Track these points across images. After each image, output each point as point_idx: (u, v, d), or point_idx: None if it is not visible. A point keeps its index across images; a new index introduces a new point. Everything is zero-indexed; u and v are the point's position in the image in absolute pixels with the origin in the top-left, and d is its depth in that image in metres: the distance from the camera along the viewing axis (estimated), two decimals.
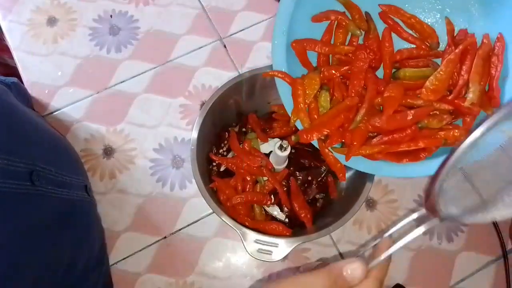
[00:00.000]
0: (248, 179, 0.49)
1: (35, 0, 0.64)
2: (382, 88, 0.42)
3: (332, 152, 0.42)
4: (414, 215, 0.30)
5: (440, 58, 0.44)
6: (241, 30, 0.63)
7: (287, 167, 0.51)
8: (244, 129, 0.54)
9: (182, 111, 0.59)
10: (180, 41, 0.62)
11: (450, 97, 0.41)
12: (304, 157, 0.52)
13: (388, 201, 0.56)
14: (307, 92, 0.42)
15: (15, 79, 0.56)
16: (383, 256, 0.29)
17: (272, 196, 0.49)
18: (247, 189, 0.49)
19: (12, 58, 0.62)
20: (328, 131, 0.41)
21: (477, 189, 0.29)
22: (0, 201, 0.32)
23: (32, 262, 0.35)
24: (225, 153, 0.53)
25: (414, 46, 0.46)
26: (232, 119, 0.55)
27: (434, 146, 0.39)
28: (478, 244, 0.55)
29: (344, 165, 0.42)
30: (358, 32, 0.45)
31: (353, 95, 0.42)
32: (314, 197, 0.52)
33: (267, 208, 0.51)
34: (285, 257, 0.43)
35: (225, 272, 0.53)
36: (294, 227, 0.48)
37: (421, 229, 0.29)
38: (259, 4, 0.64)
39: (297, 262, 0.54)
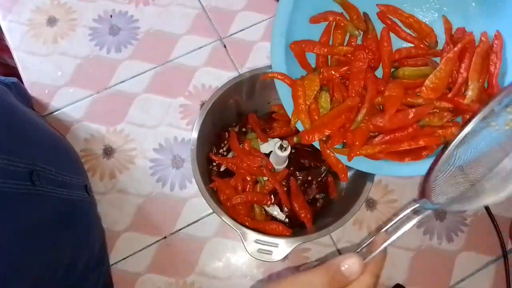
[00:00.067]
0: (248, 179, 0.49)
1: (35, 0, 0.64)
2: (382, 88, 0.42)
3: (333, 153, 0.42)
4: (408, 210, 0.31)
5: (439, 57, 0.44)
6: (241, 30, 0.63)
7: (287, 167, 0.51)
8: (244, 129, 0.54)
9: (182, 111, 0.59)
10: (180, 41, 0.62)
11: (449, 95, 0.41)
12: (304, 157, 0.52)
13: (388, 201, 0.56)
14: (307, 93, 0.42)
15: (15, 79, 0.56)
16: (379, 249, 0.29)
17: (272, 196, 0.49)
18: (247, 189, 0.49)
19: (12, 58, 0.62)
20: (329, 131, 0.41)
21: (464, 180, 0.30)
22: (0, 201, 0.32)
23: (32, 262, 0.35)
24: (225, 153, 0.53)
25: (412, 45, 0.46)
26: (232, 119, 0.55)
27: (435, 144, 0.39)
28: (478, 244, 0.55)
29: (346, 165, 0.42)
30: (357, 32, 0.45)
31: (353, 95, 0.42)
32: (314, 197, 0.52)
33: (267, 208, 0.51)
34: (285, 257, 0.43)
35: (225, 272, 0.53)
36: (294, 227, 0.48)
37: (413, 222, 0.30)
38: (259, 4, 0.64)
39: (297, 262, 0.54)
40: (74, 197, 0.46)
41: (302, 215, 0.48)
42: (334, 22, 0.45)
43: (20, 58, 0.61)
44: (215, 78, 0.61)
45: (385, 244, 0.29)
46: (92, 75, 0.61)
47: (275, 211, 0.50)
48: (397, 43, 0.46)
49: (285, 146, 0.46)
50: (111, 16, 0.64)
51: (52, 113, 0.59)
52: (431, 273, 0.54)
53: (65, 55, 0.61)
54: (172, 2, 0.64)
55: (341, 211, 0.45)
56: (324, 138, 0.42)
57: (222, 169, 0.52)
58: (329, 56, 0.46)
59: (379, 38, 0.45)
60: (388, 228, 0.31)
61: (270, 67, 0.44)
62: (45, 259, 0.38)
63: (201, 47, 0.62)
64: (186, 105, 0.60)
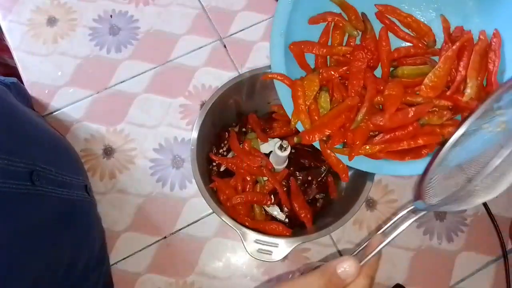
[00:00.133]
0: (248, 179, 0.49)
1: (35, 0, 0.64)
2: (382, 87, 0.42)
3: (333, 153, 0.42)
4: (404, 212, 0.31)
5: (437, 56, 0.44)
6: (241, 30, 0.63)
7: (287, 167, 0.51)
8: (244, 129, 0.54)
9: (182, 111, 0.59)
10: (180, 41, 0.62)
11: (448, 93, 0.41)
12: (304, 157, 0.52)
13: (388, 201, 0.56)
14: (307, 93, 0.42)
15: (14, 79, 0.56)
16: (375, 252, 0.29)
17: (272, 196, 0.49)
18: (247, 189, 0.49)
19: (12, 58, 0.62)
20: (329, 131, 0.41)
21: (457, 180, 0.31)
22: (0, 201, 0.32)
23: (32, 262, 0.35)
24: (225, 153, 0.53)
25: (411, 44, 0.46)
26: (232, 119, 0.55)
27: (434, 143, 0.40)
28: (478, 244, 0.55)
29: (346, 165, 0.42)
30: (355, 32, 0.45)
31: (353, 95, 0.42)
32: (314, 197, 0.52)
33: (267, 208, 0.51)
34: (285, 257, 0.43)
35: (225, 272, 0.53)
36: (294, 227, 0.48)
37: (408, 223, 0.30)
38: (259, 4, 0.64)
39: (297, 262, 0.54)
40: (74, 197, 0.46)
41: (302, 215, 0.48)
42: (333, 23, 0.45)
43: (20, 58, 0.61)
44: (215, 78, 0.61)
45: (381, 246, 0.30)
46: (92, 75, 0.61)
47: (275, 211, 0.50)
48: (396, 43, 0.46)
49: (285, 146, 0.46)
50: (111, 16, 0.64)
51: (52, 113, 0.59)
52: (431, 273, 0.54)
53: (65, 55, 0.61)
54: (172, 2, 0.64)
55: (341, 211, 0.45)
56: (324, 138, 0.42)
57: (222, 169, 0.52)
58: (328, 57, 0.46)
59: (377, 38, 0.45)
60: (384, 230, 0.31)
61: (270, 67, 0.44)
62: (45, 259, 0.38)
63: (201, 47, 0.62)
64: (186, 105, 0.60)
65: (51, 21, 0.63)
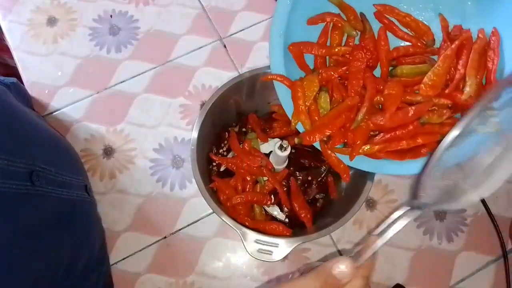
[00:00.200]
0: (248, 179, 0.49)
1: (35, 0, 0.64)
2: (381, 87, 0.42)
3: (334, 153, 0.42)
4: (400, 212, 0.31)
5: (436, 55, 0.44)
6: (241, 30, 0.63)
7: (287, 167, 0.51)
8: (244, 129, 0.54)
9: (182, 111, 0.59)
10: (180, 41, 0.62)
11: (446, 90, 0.41)
12: (304, 157, 0.52)
13: (388, 201, 0.56)
14: (307, 94, 0.42)
15: (14, 79, 0.56)
16: (370, 252, 0.30)
17: (272, 196, 0.49)
18: (247, 189, 0.49)
19: (12, 58, 0.62)
20: (330, 132, 0.41)
21: (450, 179, 0.31)
22: (0, 201, 0.32)
23: (32, 262, 0.35)
24: (225, 153, 0.53)
25: (410, 44, 0.46)
26: (232, 119, 0.55)
27: (434, 141, 0.40)
28: (478, 244, 0.55)
29: (347, 165, 0.42)
30: (354, 33, 0.45)
31: (352, 95, 0.42)
32: (314, 197, 0.52)
33: (267, 208, 0.51)
34: (285, 257, 0.43)
35: (225, 272, 0.53)
36: (294, 227, 0.48)
37: (404, 223, 0.30)
38: (259, 4, 0.64)
39: (297, 262, 0.54)
40: (74, 197, 0.46)
41: (302, 215, 0.48)
42: (332, 23, 0.45)
43: (20, 58, 0.61)
44: (215, 78, 0.61)
45: (377, 247, 0.30)
46: (92, 75, 0.61)
47: (275, 211, 0.50)
48: (395, 43, 0.46)
49: (285, 146, 0.46)
50: (111, 16, 0.64)
51: (52, 113, 0.59)
52: (431, 273, 0.54)
53: (65, 55, 0.61)
54: (172, 2, 0.64)
55: (341, 211, 0.45)
56: (325, 139, 0.42)
57: (222, 169, 0.52)
58: (327, 57, 0.46)
59: (376, 38, 0.45)
60: (380, 230, 0.31)
61: (270, 67, 0.44)
62: (45, 259, 0.38)
63: (201, 47, 0.62)
64: (186, 105, 0.60)
65: (51, 21, 0.63)
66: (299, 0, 0.42)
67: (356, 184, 0.46)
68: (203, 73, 0.61)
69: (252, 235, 0.42)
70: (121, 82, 0.60)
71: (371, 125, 0.40)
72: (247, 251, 0.42)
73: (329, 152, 0.42)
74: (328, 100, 0.43)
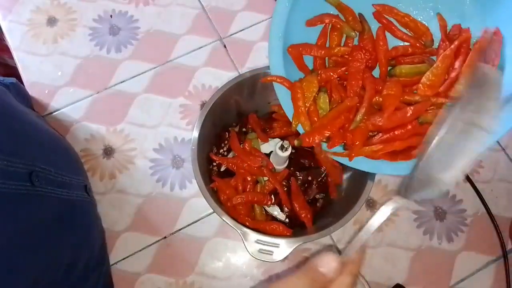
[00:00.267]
0: (249, 179, 0.49)
1: (35, 0, 0.64)
2: (380, 87, 0.42)
3: (331, 156, 0.42)
4: (385, 208, 0.31)
5: (435, 55, 0.44)
6: (241, 30, 0.63)
7: (287, 167, 0.51)
8: (244, 129, 0.54)
9: (182, 111, 0.59)
10: (180, 41, 0.62)
11: (441, 88, 0.41)
12: (304, 157, 0.52)
13: (388, 201, 0.56)
14: (306, 95, 0.42)
15: (13, 80, 0.56)
16: (354, 245, 0.30)
17: (272, 196, 0.49)
18: (248, 189, 0.49)
19: (12, 58, 0.62)
20: (329, 133, 0.41)
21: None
22: None
23: (32, 262, 0.35)
24: (225, 153, 0.53)
25: (409, 44, 0.46)
26: (233, 119, 0.55)
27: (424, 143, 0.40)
28: (478, 244, 0.55)
29: (345, 166, 0.42)
30: (353, 33, 0.45)
31: (351, 95, 0.42)
32: (314, 197, 0.52)
33: (267, 208, 0.51)
34: (286, 257, 0.43)
35: (225, 272, 0.53)
36: (294, 227, 0.48)
37: (387, 212, 0.31)
38: (259, 4, 0.64)
39: (297, 262, 0.54)
40: (73, 197, 0.46)
41: (303, 215, 0.48)
42: (330, 24, 0.45)
43: (20, 58, 0.61)
44: (215, 78, 0.61)
45: (361, 240, 0.30)
46: (92, 75, 0.61)
47: (276, 211, 0.50)
48: (394, 43, 0.46)
49: (286, 146, 0.46)
50: (111, 16, 0.64)
51: (52, 113, 0.59)
52: (431, 273, 0.54)
53: (65, 55, 0.61)
54: (172, 2, 0.64)
55: (341, 211, 0.45)
56: (324, 140, 0.42)
57: (222, 169, 0.52)
58: (326, 58, 0.46)
59: (375, 38, 0.45)
60: (370, 230, 0.31)
61: (269, 68, 0.44)
62: (45, 259, 0.38)
63: (201, 47, 0.62)
64: (186, 105, 0.60)
65: (51, 21, 0.63)
66: (298, 2, 0.42)
67: (357, 184, 0.47)
68: (203, 73, 0.61)
69: (253, 235, 0.42)
70: (121, 82, 0.60)
71: (370, 125, 0.40)
72: (248, 251, 0.42)
73: (323, 156, 0.42)
74: (327, 100, 0.43)
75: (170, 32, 0.63)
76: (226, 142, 0.53)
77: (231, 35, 0.63)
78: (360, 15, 0.46)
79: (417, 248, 0.55)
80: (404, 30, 0.46)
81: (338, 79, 0.44)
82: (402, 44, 0.46)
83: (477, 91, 0.29)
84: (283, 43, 0.43)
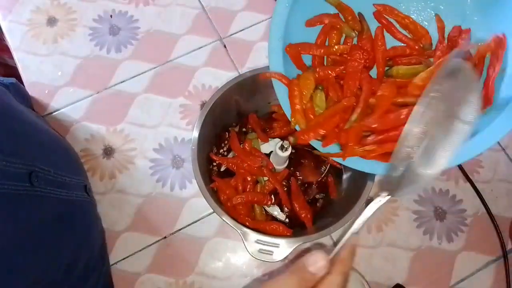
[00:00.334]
0: (249, 179, 0.49)
1: (35, 0, 0.64)
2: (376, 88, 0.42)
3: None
4: (373, 205, 0.32)
5: (433, 57, 0.44)
6: (241, 30, 0.63)
7: (287, 167, 0.51)
8: (244, 129, 0.54)
9: (182, 111, 0.59)
10: (180, 41, 0.62)
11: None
12: (304, 157, 0.52)
13: (388, 200, 0.56)
14: (304, 92, 0.42)
15: (13, 80, 0.56)
16: (343, 240, 0.30)
17: (272, 196, 0.49)
18: (248, 189, 0.49)
19: (12, 58, 0.62)
20: (324, 131, 0.41)
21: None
22: None
23: (32, 262, 0.35)
24: (225, 153, 0.53)
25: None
26: (233, 119, 0.55)
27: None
28: (478, 244, 0.55)
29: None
30: (353, 34, 0.45)
31: (348, 95, 0.42)
32: (314, 197, 0.52)
33: (267, 208, 0.51)
34: (286, 257, 0.43)
35: (225, 272, 0.53)
36: (294, 227, 0.48)
37: (373, 209, 0.31)
38: (259, 4, 0.64)
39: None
40: (73, 197, 0.46)
41: (303, 215, 0.48)
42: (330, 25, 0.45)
43: (20, 58, 0.61)
44: (215, 78, 0.61)
45: (347, 237, 0.30)
46: (92, 75, 0.61)
47: (276, 211, 0.50)
48: (392, 43, 0.46)
49: (286, 146, 0.46)
50: (111, 16, 0.64)
51: (52, 113, 0.59)
52: (431, 273, 0.54)
53: (65, 55, 0.61)
54: (172, 2, 0.64)
55: (342, 211, 0.45)
56: (319, 138, 0.42)
57: (222, 169, 0.52)
58: (325, 57, 0.46)
59: (373, 37, 0.45)
60: (357, 227, 0.31)
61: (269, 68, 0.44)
62: (45, 259, 0.38)
63: (201, 47, 0.62)
64: (186, 105, 0.60)
65: (51, 21, 0.63)
66: (297, 2, 0.42)
67: (357, 184, 0.47)
68: (203, 73, 0.61)
69: (253, 235, 0.42)
70: (121, 82, 0.60)
71: (364, 126, 0.40)
72: (248, 251, 0.42)
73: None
74: (324, 98, 0.43)
75: (170, 32, 0.63)
76: (226, 142, 0.53)
77: (231, 35, 0.63)
78: (360, 14, 0.46)
79: (417, 248, 0.55)
80: (404, 32, 0.46)
81: (335, 77, 0.44)
82: (400, 44, 0.46)
83: (451, 82, 0.29)
84: (283, 43, 0.43)
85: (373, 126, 0.39)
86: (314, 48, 0.44)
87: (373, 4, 0.45)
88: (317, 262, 0.29)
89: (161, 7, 0.64)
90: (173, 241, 0.54)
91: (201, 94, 0.60)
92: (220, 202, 0.47)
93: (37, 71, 0.60)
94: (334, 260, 0.29)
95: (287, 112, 0.43)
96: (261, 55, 0.62)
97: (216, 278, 0.53)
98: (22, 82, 0.60)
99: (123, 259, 0.53)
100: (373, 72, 0.46)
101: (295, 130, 0.43)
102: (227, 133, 0.53)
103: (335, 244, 0.54)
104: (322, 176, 0.52)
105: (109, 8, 0.64)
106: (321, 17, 0.45)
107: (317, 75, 0.43)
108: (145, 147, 0.58)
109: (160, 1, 0.64)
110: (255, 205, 0.50)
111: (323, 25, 0.45)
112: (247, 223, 0.46)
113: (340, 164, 0.50)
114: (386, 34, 0.46)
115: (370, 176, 0.45)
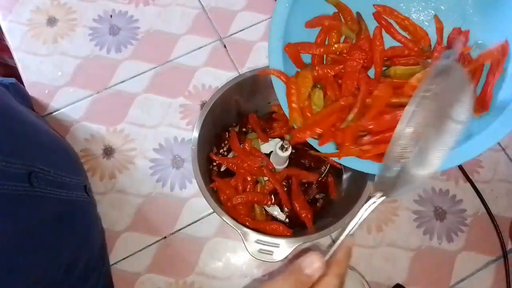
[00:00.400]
0: (249, 179, 0.49)
1: (35, 0, 0.64)
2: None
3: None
4: (367, 207, 0.31)
5: (430, 58, 0.44)
6: (241, 30, 0.63)
7: (287, 167, 0.51)
8: (244, 129, 0.54)
9: (182, 111, 0.59)
10: (180, 41, 0.62)
11: None
12: (304, 157, 0.52)
13: (387, 201, 0.56)
14: (302, 90, 0.42)
15: (13, 80, 0.56)
16: (338, 241, 0.30)
17: (272, 196, 0.49)
18: (248, 189, 0.49)
19: (12, 58, 0.62)
20: (321, 130, 0.41)
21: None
22: None
23: (32, 262, 0.35)
24: (225, 153, 0.53)
25: None
26: (233, 119, 0.55)
27: None
28: (478, 244, 0.55)
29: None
30: (352, 35, 0.45)
31: (347, 95, 0.42)
32: (314, 197, 0.52)
33: (267, 208, 0.51)
34: (286, 257, 0.43)
35: (225, 272, 0.53)
36: (294, 227, 0.48)
37: (368, 210, 0.31)
38: (259, 4, 0.64)
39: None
40: (73, 197, 0.46)
41: (303, 215, 0.48)
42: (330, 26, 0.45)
43: (20, 58, 0.61)
44: (215, 78, 0.61)
45: (341, 238, 0.30)
46: (92, 75, 0.61)
47: (276, 211, 0.50)
48: (390, 43, 0.46)
49: (286, 146, 0.46)
50: (111, 16, 0.64)
51: (52, 113, 0.59)
52: (431, 273, 0.54)
53: (65, 55, 0.61)
54: (172, 2, 0.64)
55: (341, 211, 0.45)
56: (315, 137, 0.42)
57: (222, 169, 0.52)
58: (324, 57, 0.46)
59: (371, 37, 0.45)
60: (352, 229, 0.31)
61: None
62: (45, 259, 0.38)
63: (201, 47, 0.62)
64: (186, 105, 0.60)
65: (51, 21, 0.63)
66: (297, 2, 0.42)
67: (357, 184, 0.47)
68: (203, 73, 0.61)
69: (253, 235, 0.42)
70: (121, 82, 0.60)
71: (360, 126, 0.40)
72: (248, 251, 0.42)
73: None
74: (322, 97, 0.43)
75: (170, 32, 0.63)
76: (226, 142, 0.53)
77: (231, 35, 0.63)
78: (358, 14, 0.45)
79: (417, 248, 0.55)
80: (403, 33, 0.46)
81: (334, 76, 0.44)
82: (398, 45, 0.46)
83: (443, 82, 0.29)
84: (283, 43, 0.43)
85: (369, 126, 0.39)
86: (314, 47, 0.44)
87: (373, 5, 0.45)
88: (313, 264, 0.29)
89: (161, 7, 0.64)
90: (173, 241, 0.54)
91: (201, 94, 0.60)
92: (220, 202, 0.47)
93: (37, 71, 0.60)
94: (330, 262, 0.29)
95: (286, 111, 0.43)
96: (261, 55, 0.62)
97: (216, 278, 0.53)
98: (22, 82, 0.60)
99: (123, 259, 0.53)
100: (371, 72, 0.46)
101: (293, 128, 0.44)
102: (227, 133, 0.53)
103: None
104: (322, 176, 0.52)
105: (109, 8, 0.64)
106: (321, 19, 0.45)
107: (315, 73, 0.43)
108: (145, 147, 0.58)
109: (160, 1, 0.64)
110: (255, 205, 0.50)
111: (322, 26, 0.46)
112: (247, 223, 0.46)
113: (340, 164, 0.50)
114: (385, 35, 0.46)
115: (370, 176, 0.45)
